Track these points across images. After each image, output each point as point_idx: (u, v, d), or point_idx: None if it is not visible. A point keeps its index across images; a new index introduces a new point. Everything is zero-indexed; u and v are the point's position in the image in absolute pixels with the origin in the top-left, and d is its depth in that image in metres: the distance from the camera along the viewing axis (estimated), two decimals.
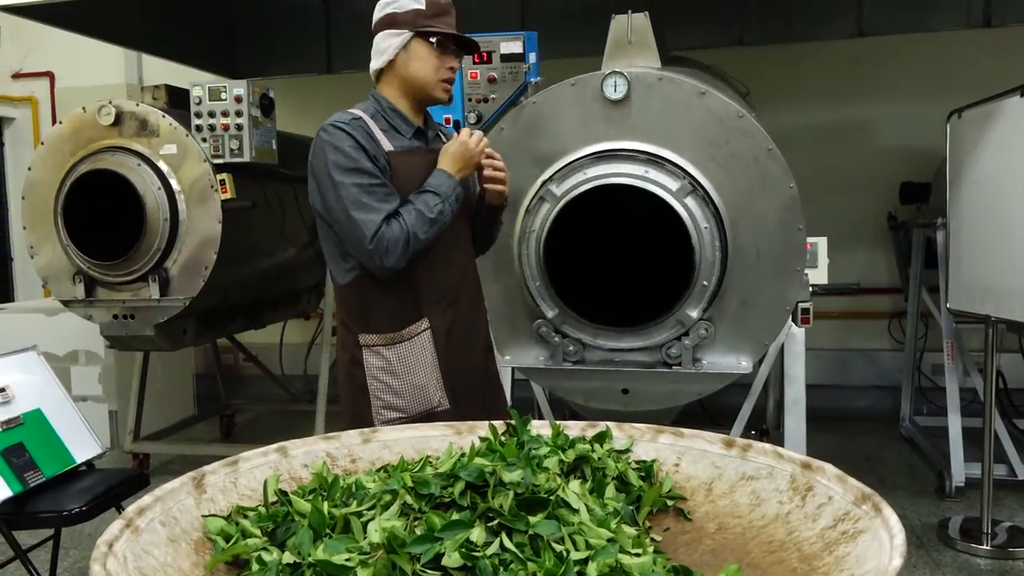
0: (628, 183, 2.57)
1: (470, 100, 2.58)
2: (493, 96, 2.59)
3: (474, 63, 2.49)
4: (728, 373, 2.69)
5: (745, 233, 2.62)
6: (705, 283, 2.63)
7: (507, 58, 2.55)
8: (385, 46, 2.14)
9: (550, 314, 2.75)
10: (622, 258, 2.87)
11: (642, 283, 2.83)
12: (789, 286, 2.66)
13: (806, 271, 3.11)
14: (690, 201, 2.59)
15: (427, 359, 2.16)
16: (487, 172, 2.20)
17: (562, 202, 2.64)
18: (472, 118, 2.63)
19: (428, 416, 2.10)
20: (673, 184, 2.58)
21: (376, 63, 2.17)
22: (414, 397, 2.15)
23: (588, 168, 2.63)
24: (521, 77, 2.58)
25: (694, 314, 2.64)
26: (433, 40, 2.13)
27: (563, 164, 2.66)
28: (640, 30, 2.86)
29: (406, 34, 2.12)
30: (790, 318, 2.79)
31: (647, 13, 2.89)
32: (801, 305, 2.78)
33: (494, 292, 2.73)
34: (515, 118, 2.63)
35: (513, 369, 3.10)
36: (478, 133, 2.21)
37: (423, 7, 2.12)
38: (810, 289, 2.77)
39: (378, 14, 2.17)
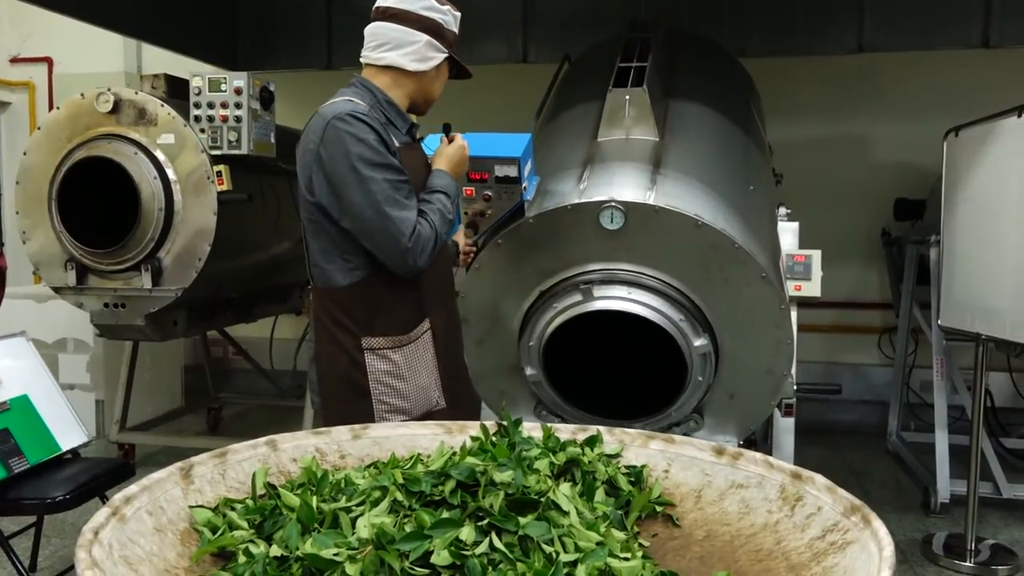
0: (639, 314, 2.64)
1: (466, 214, 2.65)
2: (488, 211, 2.65)
3: (469, 179, 2.55)
4: None
5: (735, 344, 2.71)
6: (693, 400, 2.75)
7: (502, 180, 2.59)
8: (429, 55, 2.11)
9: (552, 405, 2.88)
10: (615, 351, 2.94)
11: (636, 370, 2.91)
12: (776, 388, 2.79)
13: (800, 284, 3.19)
14: (692, 336, 2.67)
15: (428, 360, 2.15)
16: None
17: (566, 315, 2.69)
18: (469, 233, 2.70)
19: (427, 416, 2.07)
20: (692, 335, 2.65)
21: (408, 63, 2.09)
22: (418, 399, 2.11)
23: (587, 289, 2.69)
24: (517, 197, 2.62)
25: (680, 416, 2.78)
26: (455, 70, 2.21)
27: (560, 279, 2.73)
28: (638, 104, 2.93)
29: (445, 54, 2.14)
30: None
31: (646, 88, 2.94)
32: (785, 401, 2.92)
33: (495, 374, 2.85)
34: (512, 234, 2.68)
35: None
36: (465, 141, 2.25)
37: (457, 33, 2.18)
38: (794, 388, 2.92)
39: (421, 10, 2.09)
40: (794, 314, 3.19)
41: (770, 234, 3.06)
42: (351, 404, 2.09)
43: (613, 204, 2.57)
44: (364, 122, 1.97)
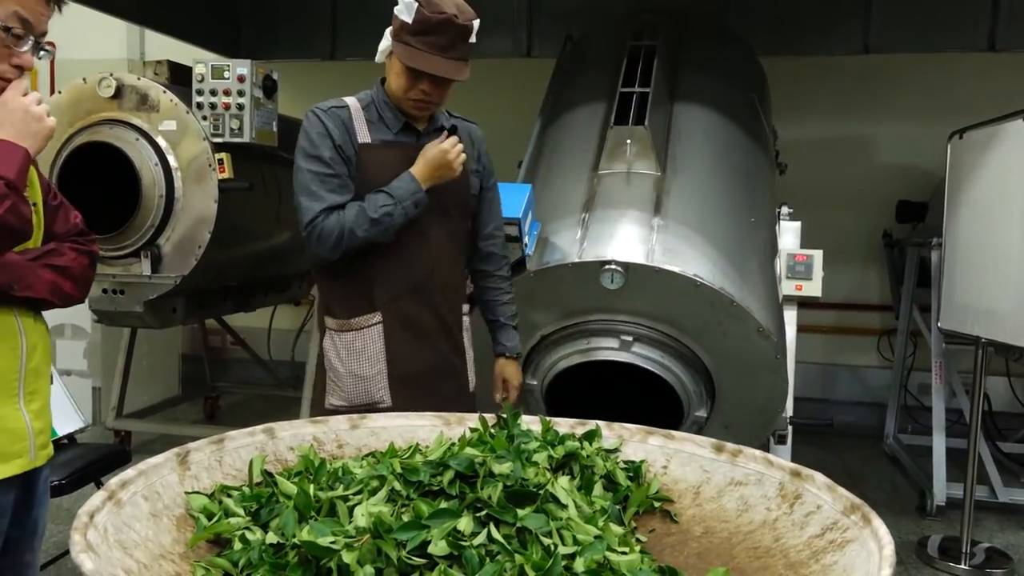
0: (639, 365, 2.70)
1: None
2: None
3: None
4: None
5: (732, 385, 2.77)
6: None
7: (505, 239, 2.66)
8: (383, 45, 2.12)
9: None
10: (612, 387, 2.98)
11: (633, 403, 2.93)
12: (769, 422, 2.88)
13: (801, 286, 3.20)
14: (691, 385, 2.74)
15: (374, 353, 2.15)
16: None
17: (567, 362, 2.76)
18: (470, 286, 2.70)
19: (369, 410, 2.02)
20: (691, 386, 2.74)
21: (377, 56, 2.17)
22: (355, 388, 2.16)
23: (586, 340, 2.76)
24: (518, 252, 2.69)
25: None
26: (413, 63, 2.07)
27: (561, 327, 2.78)
28: (640, 140, 2.96)
29: (391, 42, 2.09)
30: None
31: (647, 126, 2.95)
32: (779, 432, 3.03)
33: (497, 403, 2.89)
34: (514, 286, 2.70)
35: None
36: (460, 145, 2.14)
37: (409, 21, 2.01)
38: (787, 422, 3.01)
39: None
40: (794, 314, 3.21)
41: (769, 252, 3.09)
42: (321, 379, 2.26)
43: (613, 267, 2.61)
44: (317, 116, 2.11)
